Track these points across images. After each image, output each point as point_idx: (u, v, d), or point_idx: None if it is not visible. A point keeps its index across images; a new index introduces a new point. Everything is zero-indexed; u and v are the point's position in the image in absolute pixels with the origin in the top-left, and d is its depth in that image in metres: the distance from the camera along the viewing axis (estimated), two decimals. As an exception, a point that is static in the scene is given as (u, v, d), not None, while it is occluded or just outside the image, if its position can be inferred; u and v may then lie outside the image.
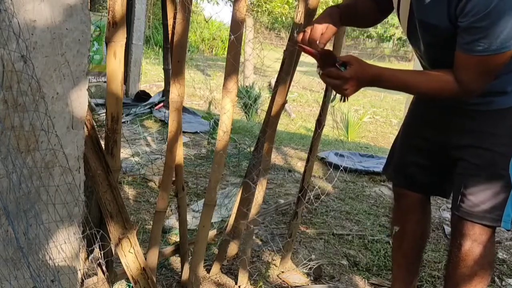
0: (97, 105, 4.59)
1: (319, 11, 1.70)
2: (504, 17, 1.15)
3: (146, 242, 1.95)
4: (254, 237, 2.24)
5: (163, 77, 5.68)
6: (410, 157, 1.65)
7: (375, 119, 11.01)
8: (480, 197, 1.40)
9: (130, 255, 1.46)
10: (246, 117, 8.30)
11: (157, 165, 3.25)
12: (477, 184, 1.41)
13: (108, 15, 1.35)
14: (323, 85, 2.01)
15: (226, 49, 1.56)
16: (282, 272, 2.17)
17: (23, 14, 1.00)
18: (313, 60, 1.36)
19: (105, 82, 5.07)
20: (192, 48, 16.83)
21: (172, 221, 2.49)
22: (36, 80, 1.02)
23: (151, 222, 1.93)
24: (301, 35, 1.40)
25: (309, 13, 1.76)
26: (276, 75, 1.90)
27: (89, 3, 1.18)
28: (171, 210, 2.65)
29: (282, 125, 8.04)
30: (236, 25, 1.50)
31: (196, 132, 4.75)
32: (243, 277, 1.98)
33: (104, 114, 1.51)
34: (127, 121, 4.94)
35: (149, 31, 14.35)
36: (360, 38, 26.95)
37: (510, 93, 1.37)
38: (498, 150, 1.38)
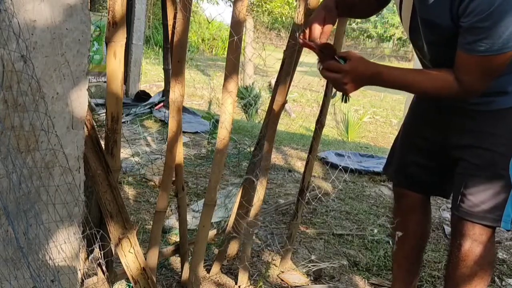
0: (97, 105, 4.59)
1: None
2: (507, 18, 1.14)
3: (146, 242, 1.95)
4: (254, 237, 2.24)
5: (163, 77, 5.68)
6: (410, 156, 1.65)
7: (375, 119, 11.01)
8: (480, 197, 1.40)
9: (130, 255, 1.45)
10: (246, 117, 8.31)
11: (157, 165, 3.25)
12: (477, 184, 1.41)
13: (108, 15, 1.35)
14: (323, 85, 2.01)
15: (226, 49, 1.56)
16: (282, 272, 2.17)
17: (23, 14, 1.00)
18: (313, 60, 1.36)
19: (105, 82, 5.08)
20: (192, 48, 16.83)
21: (172, 221, 2.49)
22: (36, 80, 1.02)
23: (151, 222, 1.93)
24: (302, 36, 1.41)
25: (309, 13, 1.76)
26: (276, 75, 1.90)
27: (89, 3, 1.18)
28: (171, 210, 2.65)
29: (282, 125, 8.05)
30: (237, 25, 1.50)
31: (196, 132, 4.75)
32: (243, 277, 1.98)
33: (104, 114, 1.51)
34: (127, 121, 4.94)
35: (149, 31, 14.35)
36: (360, 38, 26.94)
37: (511, 93, 1.37)
38: (498, 150, 1.38)
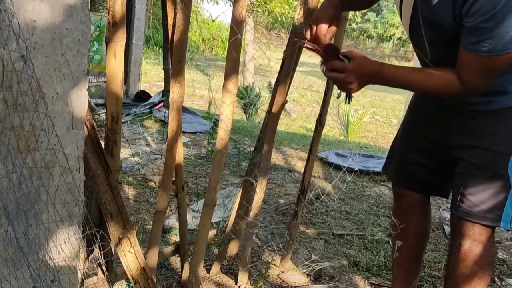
0: (97, 105, 4.59)
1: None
2: (511, 18, 1.14)
3: (146, 242, 1.95)
4: (254, 237, 2.24)
5: (163, 77, 5.68)
6: (410, 155, 1.65)
7: (375, 119, 11.01)
8: (480, 197, 1.40)
9: (130, 255, 1.46)
10: (246, 117, 8.31)
11: (157, 165, 3.25)
12: (476, 184, 1.41)
13: (108, 15, 1.35)
14: (323, 85, 2.01)
15: (226, 49, 1.56)
16: (282, 272, 2.17)
17: (23, 14, 1.00)
18: (313, 60, 1.36)
19: (105, 82, 5.08)
20: (192, 48, 16.83)
21: (172, 221, 2.49)
22: (36, 80, 1.02)
23: (151, 222, 1.93)
24: (308, 32, 1.40)
25: (309, 13, 1.76)
26: (276, 75, 1.90)
27: (89, 3, 1.18)
28: (171, 210, 2.65)
29: (282, 125, 8.05)
30: (237, 25, 1.50)
31: (196, 132, 4.76)
32: (243, 277, 1.98)
33: (104, 114, 1.51)
34: (127, 121, 4.94)
35: (149, 31, 14.35)
36: (360, 38, 26.92)
37: (511, 93, 1.37)
38: (498, 150, 1.38)
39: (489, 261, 1.46)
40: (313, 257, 2.31)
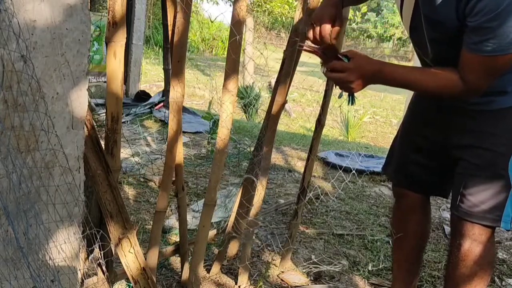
0: (97, 105, 4.59)
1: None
2: None
3: (146, 242, 1.95)
4: (254, 237, 2.24)
5: (163, 77, 5.68)
6: (410, 155, 1.64)
7: (375, 119, 11.01)
8: (480, 197, 1.40)
9: (130, 255, 1.46)
10: (246, 117, 8.31)
11: (157, 165, 3.25)
12: (476, 184, 1.41)
13: (108, 15, 1.35)
14: (323, 85, 2.01)
15: (226, 49, 1.56)
16: (282, 272, 2.17)
17: (23, 14, 1.00)
18: (313, 60, 1.36)
19: (105, 82, 5.08)
20: (192, 48, 16.83)
21: (172, 221, 2.49)
22: (36, 80, 1.02)
23: (151, 222, 1.93)
24: (310, 32, 1.39)
25: (309, 13, 1.76)
26: (276, 75, 1.90)
27: (89, 3, 1.18)
28: (171, 210, 2.65)
29: (282, 125, 8.04)
30: (237, 25, 1.49)
31: (196, 132, 4.75)
32: (243, 277, 1.98)
33: (104, 114, 1.51)
34: (127, 121, 4.94)
35: (149, 31, 14.35)
36: (360, 38, 26.91)
37: (511, 93, 1.37)
38: (498, 150, 1.38)
39: (489, 261, 1.46)
40: (313, 257, 2.31)
